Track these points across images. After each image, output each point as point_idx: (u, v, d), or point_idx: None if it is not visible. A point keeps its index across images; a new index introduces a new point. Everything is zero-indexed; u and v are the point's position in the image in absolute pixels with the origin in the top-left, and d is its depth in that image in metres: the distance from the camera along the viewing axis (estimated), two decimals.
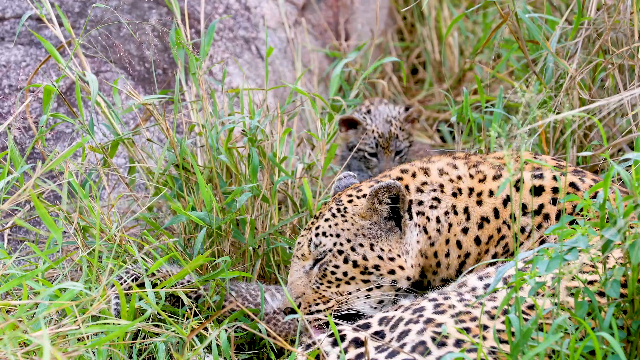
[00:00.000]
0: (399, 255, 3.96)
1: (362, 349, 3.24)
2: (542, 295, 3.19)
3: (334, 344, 3.31)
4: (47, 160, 3.97)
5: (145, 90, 5.03)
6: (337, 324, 3.40)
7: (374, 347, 3.24)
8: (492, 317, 3.22)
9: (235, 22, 5.49)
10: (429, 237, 4.01)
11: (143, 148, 4.45)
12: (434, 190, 4.02)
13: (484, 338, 3.16)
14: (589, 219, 3.34)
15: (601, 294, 3.25)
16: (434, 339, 3.17)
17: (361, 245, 3.99)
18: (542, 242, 3.89)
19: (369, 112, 5.22)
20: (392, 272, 3.97)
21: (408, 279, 3.99)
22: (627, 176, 3.16)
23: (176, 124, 4.44)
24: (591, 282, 3.28)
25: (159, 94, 4.57)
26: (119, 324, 3.38)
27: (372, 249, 3.98)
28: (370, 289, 3.99)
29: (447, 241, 4.00)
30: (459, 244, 4.00)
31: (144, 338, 3.82)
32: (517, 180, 3.90)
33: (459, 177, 4.02)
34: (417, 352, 3.15)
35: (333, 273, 3.99)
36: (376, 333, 3.29)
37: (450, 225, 4.00)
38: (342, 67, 4.88)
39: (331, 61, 6.05)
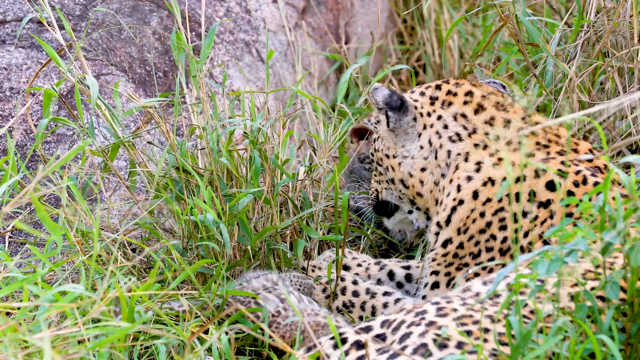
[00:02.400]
0: (394, 156, 4.23)
1: (363, 352, 3.25)
2: (543, 299, 3.20)
3: (336, 346, 3.31)
4: (47, 164, 3.97)
5: (145, 93, 5.04)
6: (338, 327, 3.41)
7: (375, 349, 3.24)
8: (494, 321, 3.23)
9: (235, 25, 5.50)
10: (439, 166, 4.12)
11: (144, 151, 4.46)
12: (465, 128, 4.11)
13: (485, 340, 3.17)
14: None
15: (601, 298, 3.25)
16: (435, 341, 3.18)
17: (379, 138, 4.37)
18: (544, 242, 3.91)
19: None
20: (387, 169, 4.29)
21: (403, 184, 4.24)
22: (627, 179, 3.16)
23: (177, 127, 4.45)
24: (593, 289, 3.29)
25: (159, 97, 4.58)
26: (119, 326, 3.39)
27: (382, 142, 4.35)
28: (389, 182, 4.33)
29: (451, 181, 4.08)
30: (458, 188, 4.05)
31: (144, 340, 3.82)
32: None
33: (498, 137, 4.06)
34: (418, 354, 3.16)
35: (372, 161, 4.45)
36: (378, 336, 3.30)
37: (457, 167, 4.08)
38: (350, 72, 4.91)
39: (331, 64, 6.05)
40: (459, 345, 3.16)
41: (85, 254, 4.00)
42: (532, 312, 3.27)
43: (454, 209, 4.08)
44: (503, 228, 3.97)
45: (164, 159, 4.28)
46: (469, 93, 4.18)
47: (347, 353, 3.27)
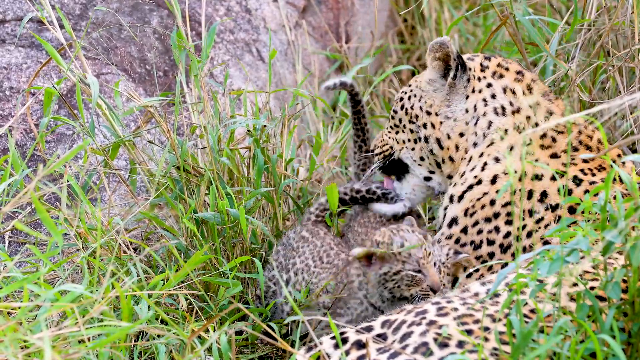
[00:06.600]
0: (436, 114, 4.18)
1: (364, 351, 3.24)
2: (543, 298, 3.20)
3: (337, 346, 3.31)
4: (48, 163, 3.97)
5: (146, 92, 5.04)
6: (338, 326, 3.41)
7: (376, 348, 3.24)
8: (495, 320, 3.23)
9: (236, 24, 5.49)
10: (475, 133, 4.12)
11: (144, 150, 4.46)
12: (511, 104, 4.11)
13: (486, 340, 3.16)
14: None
15: (601, 298, 3.25)
16: (436, 340, 3.18)
17: (415, 95, 4.26)
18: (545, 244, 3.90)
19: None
20: (425, 125, 4.22)
21: (439, 144, 4.18)
22: (628, 178, 3.16)
23: (177, 126, 4.45)
24: (592, 288, 3.29)
25: (160, 96, 4.57)
26: (120, 326, 3.38)
27: (419, 100, 4.24)
28: (416, 141, 4.25)
29: (481, 155, 4.08)
30: (484, 166, 4.06)
31: (146, 339, 3.82)
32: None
33: (536, 124, 4.09)
34: (419, 353, 3.16)
35: (393, 118, 4.35)
36: (378, 335, 3.30)
37: (492, 142, 4.08)
38: (352, 74, 4.93)
39: (332, 63, 6.05)
40: (460, 344, 3.16)
41: (86, 251, 3.99)
42: (532, 311, 3.27)
43: (470, 186, 4.05)
44: (509, 223, 3.94)
45: (164, 159, 4.28)
46: (519, 72, 4.18)
47: (347, 353, 3.27)
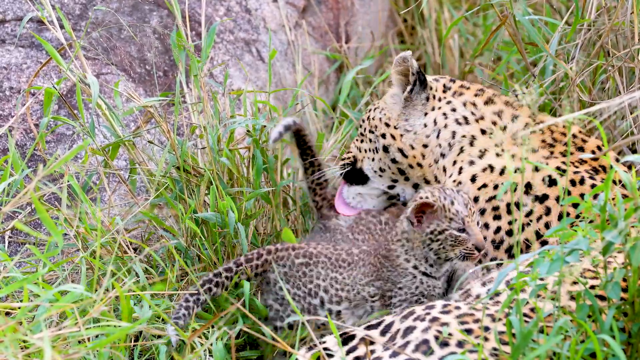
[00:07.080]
0: (395, 127, 4.27)
1: (371, 347, 3.25)
2: (543, 298, 3.20)
3: (343, 343, 3.32)
4: (48, 163, 3.97)
5: (146, 92, 5.04)
6: (338, 328, 3.41)
7: (382, 343, 3.25)
8: (495, 320, 3.23)
9: (235, 24, 5.49)
10: (439, 145, 4.20)
11: (144, 150, 4.46)
12: (473, 114, 4.20)
13: (486, 339, 3.16)
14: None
15: (601, 297, 3.25)
16: (437, 339, 3.18)
17: (379, 107, 4.39)
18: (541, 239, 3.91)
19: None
20: (383, 136, 4.31)
21: (402, 153, 4.26)
22: (628, 178, 3.16)
23: (177, 126, 4.45)
24: (592, 287, 3.29)
25: (160, 96, 4.57)
26: (119, 326, 3.38)
27: (380, 111, 4.36)
28: (375, 151, 4.34)
29: (454, 163, 4.15)
30: (460, 171, 4.11)
31: (145, 339, 3.82)
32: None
33: (504, 127, 4.14)
34: (420, 352, 3.16)
35: (361, 126, 4.48)
36: (387, 326, 3.31)
37: (462, 150, 4.16)
38: (352, 74, 4.93)
39: (332, 63, 6.05)
40: (460, 343, 3.16)
41: (85, 251, 3.99)
42: (532, 309, 3.27)
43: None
44: (497, 218, 3.98)
45: (164, 159, 4.28)
46: (481, 90, 4.27)
47: (355, 348, 3.28)
